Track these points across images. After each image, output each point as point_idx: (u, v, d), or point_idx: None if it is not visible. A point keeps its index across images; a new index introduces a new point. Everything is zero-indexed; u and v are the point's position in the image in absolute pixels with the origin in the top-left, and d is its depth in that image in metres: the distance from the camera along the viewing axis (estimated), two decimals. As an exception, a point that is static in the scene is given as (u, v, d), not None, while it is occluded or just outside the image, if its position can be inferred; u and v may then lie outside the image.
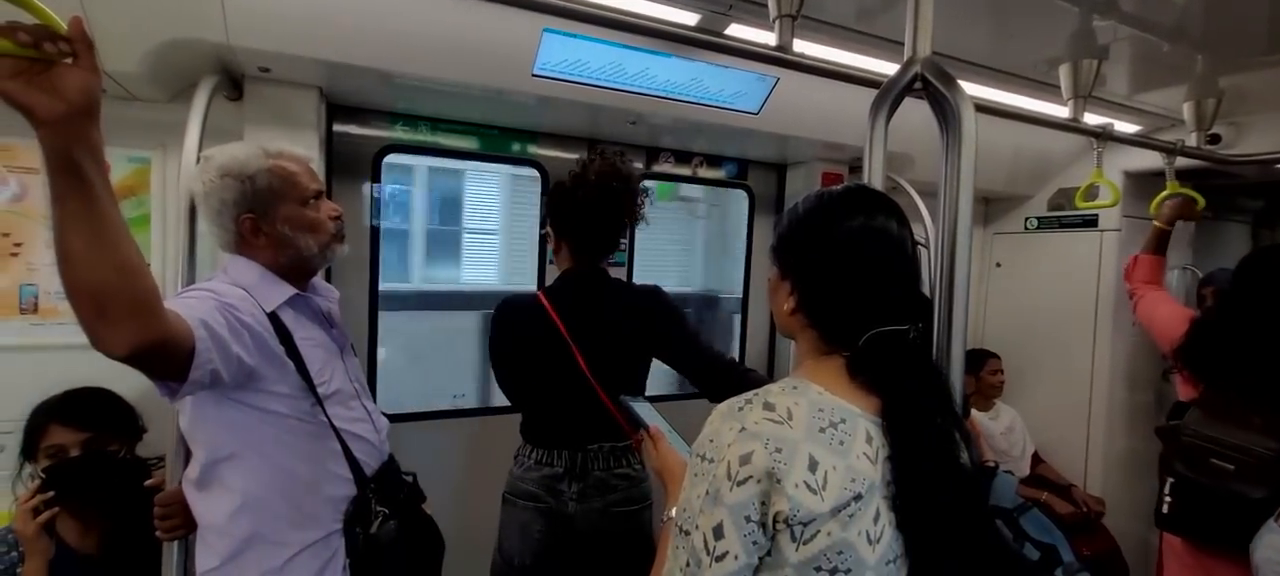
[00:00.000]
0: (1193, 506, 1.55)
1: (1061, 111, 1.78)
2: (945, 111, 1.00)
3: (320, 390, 1.15)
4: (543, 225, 2.11)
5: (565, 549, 1.44)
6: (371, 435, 1.27)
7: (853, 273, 0.75)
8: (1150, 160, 2.32)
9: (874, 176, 1.02)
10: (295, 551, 1.14)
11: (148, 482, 1.36)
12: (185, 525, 1.21)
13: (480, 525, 1.63)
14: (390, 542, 1.24)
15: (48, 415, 1.38)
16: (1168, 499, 1.60)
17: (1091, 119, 1.80)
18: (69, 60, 0.68)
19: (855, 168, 2.50)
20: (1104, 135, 1.83)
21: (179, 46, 1.40)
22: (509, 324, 1.51)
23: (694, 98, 1.87)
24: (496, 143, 2.14)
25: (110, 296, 0.74)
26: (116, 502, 1.39)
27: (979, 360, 2.70)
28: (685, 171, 2.46)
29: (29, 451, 1.37)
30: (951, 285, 0.97)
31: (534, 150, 2.20)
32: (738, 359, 1.97)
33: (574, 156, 2.22)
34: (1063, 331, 2.75)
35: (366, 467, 1.23)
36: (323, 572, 1.18)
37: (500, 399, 1.63)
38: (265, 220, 1.16)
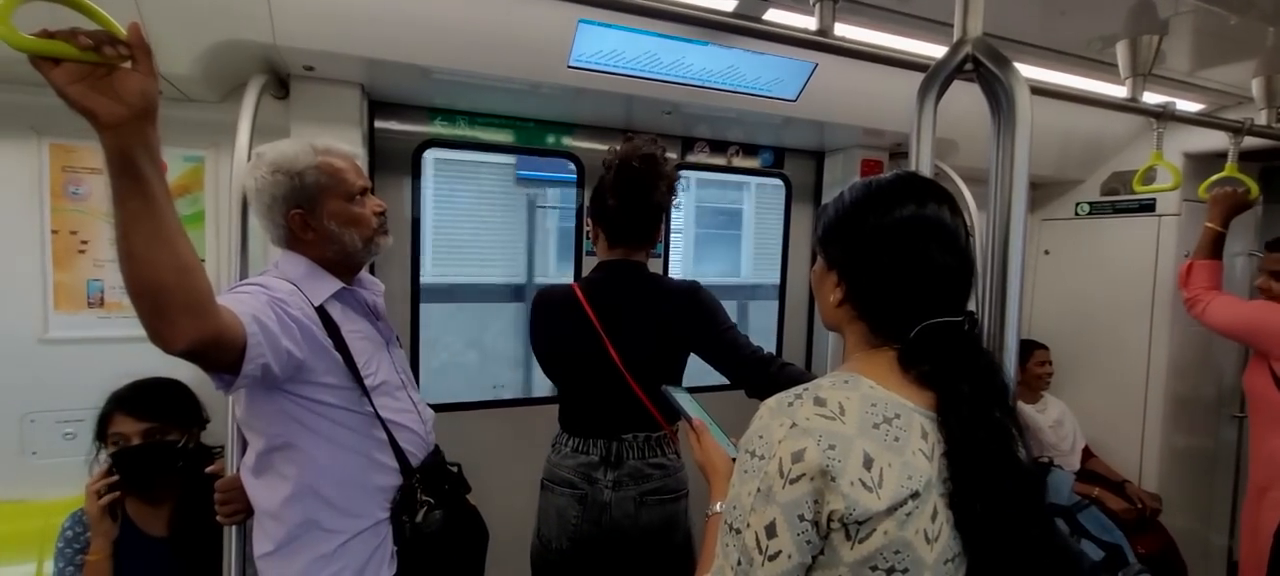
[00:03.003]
0: None
1: (1117, 91, 1.69)
2: (997, 94, 0.96)
3: (366, 382, 1.18)
4: (583, 215, 2.12)
5: (601, 535, 1.46)
6: (417, 425, 1.29)
7: (904, 262, 0.72)
8: (1212, 140, 2.20)
9: (922, 162, 0.99)
10: (345, 538, 1.18)
11: (209, 469, 1.42)
12: (244, 510, 1.26)
13: (526, 513, 1.66)
14: (435, 532, 1.26)
15: (115, 405, 1.45)
16: None
17: (1149, 98, 1.71)
18: (128, 65, 0.70)
19: (895, 154, 2.44)
20: (1165, 115, 1.73)
21: (229, 48, 1.45)
22: (545, 315, 1.52)
23: (730, 86, 1.85)
24: (532, 135, 2.16)
25: (167, 295, 0.77)
26: (178, 488, 1.46)
27: (1025, 351, 2.61)
28: (720, 161, 2.43)
29: (100, 436, 1.45)
30: (1004, 275, 0.94)
31: (569, 142, 2.21)
32: (775, 352, 1.95)
33: (609, 148, 2.22)
34: (1116, 321, 2.64)
35: (412, 458, 1.26)
36: (371, 559, 1.21)
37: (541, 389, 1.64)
38: (313, 215, 1.18)
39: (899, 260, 0.72)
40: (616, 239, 1.49)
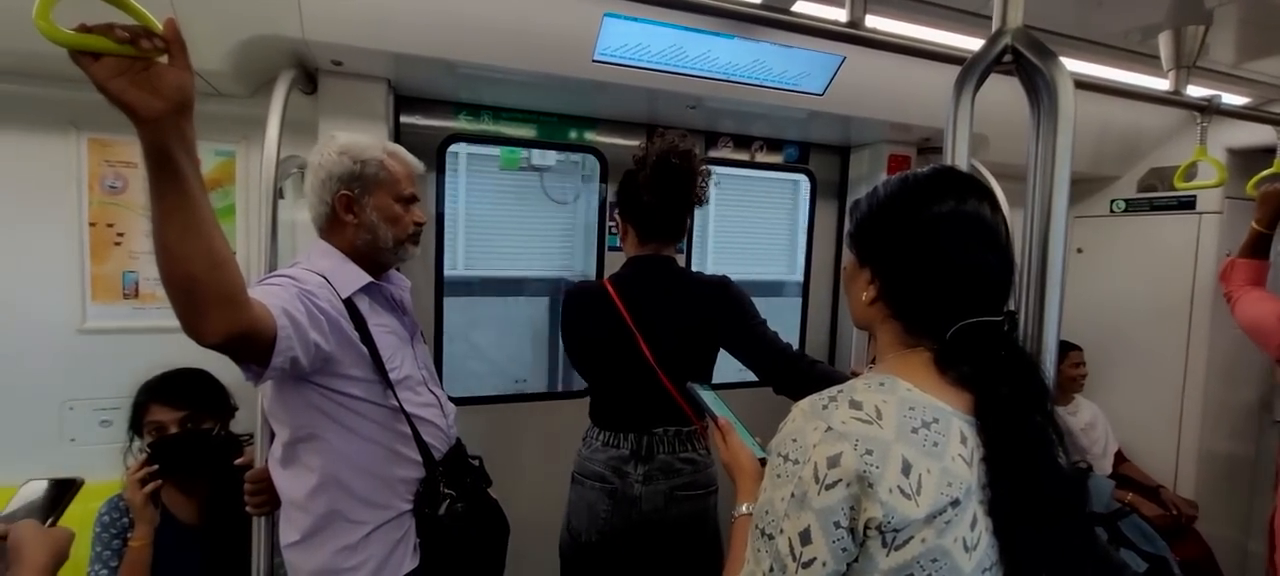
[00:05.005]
0: None
1: (1159, 84, 1.63)
2: (1038, 87, 0.93)
3: (391, 375, 1.19)
4: (611, 211, 2.12)
5: (631, 528, 1.46)
6: (439, 419, 1.31)
7: (942, 260, 0.70)
8: (1258, 135, 2.11)
9: (958, 157, 0.96)
10: (370, 529, 1.19)
11: (238, 460, 1.44)
12: (272, 501, 1.28)
13: (546, 506, 1.66)
14: (457, 524, 1.27)
15: (149, 394, 1.49)
16: None
17: (1193, 91, 1.65)
18: (164, 59, 0.71)
19: (923, 149, 2.39)
20: (1210, 109, 1.67)
21: (259, 43, 1.46)
22: (576, 310, 1.53)
23: (756, 80, 1.82)
24: (555, 130, 2.15)
25: (201, 287, 0.78)
26: (213, 476, 1.49)
27: (1060, 353, 2.52)
28: (744, 156, 2.41)
29: (136, 426, 1.49)
30: (1043, 274, 0.91)
31: (592, 137, 2.20)
32: (801, 350, 1.92)
33: (632, 142, 2.21)
34: (1153, 322, 2.56)
35: (435, 451, 1.27)
36: (395, 551, 1.22)
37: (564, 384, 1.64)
38: (358, 201, 1.22)
39: (937, 257, 0.70)
40: (649, 235, 1.49)
